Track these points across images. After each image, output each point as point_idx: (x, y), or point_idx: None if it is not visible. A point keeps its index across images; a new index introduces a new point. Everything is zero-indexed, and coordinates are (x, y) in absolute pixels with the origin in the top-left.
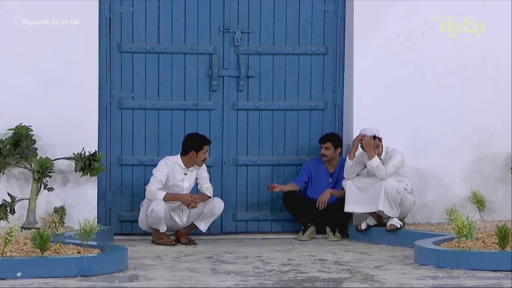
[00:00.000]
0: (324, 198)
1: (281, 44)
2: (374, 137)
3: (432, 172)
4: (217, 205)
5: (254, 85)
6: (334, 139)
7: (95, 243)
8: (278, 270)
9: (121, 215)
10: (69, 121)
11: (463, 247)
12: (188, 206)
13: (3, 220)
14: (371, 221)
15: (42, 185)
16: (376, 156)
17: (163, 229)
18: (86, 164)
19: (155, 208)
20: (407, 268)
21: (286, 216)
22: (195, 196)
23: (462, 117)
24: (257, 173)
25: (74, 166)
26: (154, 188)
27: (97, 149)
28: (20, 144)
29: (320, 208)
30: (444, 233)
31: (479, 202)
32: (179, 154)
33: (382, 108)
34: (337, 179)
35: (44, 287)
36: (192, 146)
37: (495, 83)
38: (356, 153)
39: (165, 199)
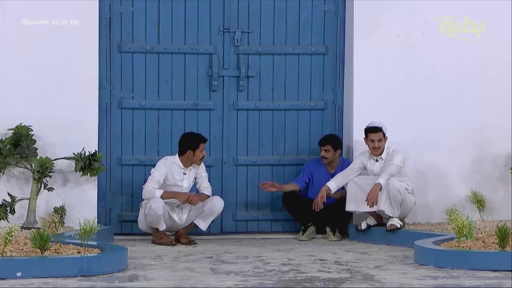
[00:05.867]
0: (319, 199)
1: (281, 44)
2: (379, 130)
3: (432, 172)
4: (217, 204)
5: (254, 85)
6: (334, 141)
7: (95, 243)
8: (278, 270)
9: (121, 215)
10: (69, 121)
11: (463, 247)
12: (183, 203)
13: (3, 220)
14: (371, 221)
15: (42, 185)
16: (380, 182)
17: (162, 227)
18: (86, 164)
19: (153, 206)
20: (407, 268)
21: (286, 216)
22: (193, 196)
23: (462, 117)
24: (257, 173)
25: (74, 166)
26: (151, 187)
27: (97, 149)
28: (20, 144)
29: (316, 210)
30: (444, 233)
31: (479, 202)
32: (177, 154)
33: (382, 108)
34: None
35: (44, 287)
36: (188, 145)
37: (495, 83)
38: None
39: (163, 197)
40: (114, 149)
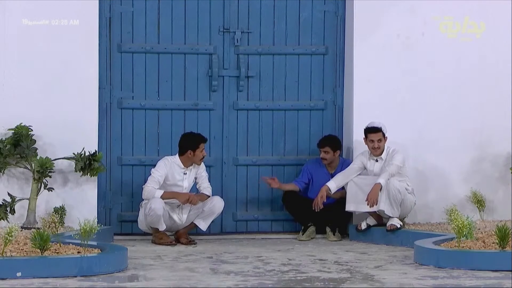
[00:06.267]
0: (319, 199)
1: (281, 44)
2: (379, 130)
3: (432, 172)
4: (217, 204)
5: (254, 85)
6: (333, 142)
7: (95, 243)
8: (278, 270)
9: (121, 215)
10: (69, 121)
11: (463, 247)
12: (184, 203)
13: (3, 220)
14: (371, 221)
15: (42, 185)
16: (380, 182)
17: (162, 227)
18: (86, 164)
19: (153, 206)
20: (407, 268)
21: (286, 216)
22: (193, 196)
23: (462, 117)
24: (257, 173)
25: (74, 166)
26: (151, 188)
27: (97, 149)
28: (20, 144)
29: (316, 210)
30: (444, 233)
31: (479, 202)
32: (177, 154)
33: (382, 108)
34: None
35: (44, 287)
36: (188, 145)
37: (495, 83)
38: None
39: (163, 197)
40: (114, 149)
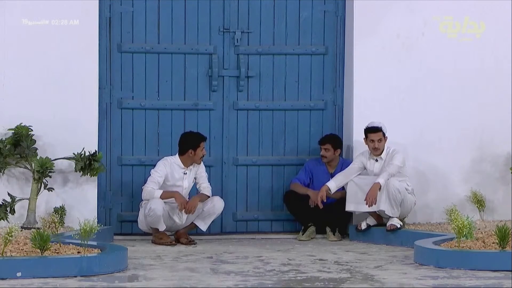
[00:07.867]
0: (319, 199)
1: (281, 44)
2: (379, 130)
3: (432, 172)
4: (217, 204)
5: (254, 85)
6: (334, 140)
7: (95, 243)
8: (278, 270)
9: (121, 215)
10: (69, 121)
11: (463, 247)
12: (180, 210)
13: (3, 220)
14: (371, 221)
15: (42, 185)
16: (380, 181)
17: (162, 227)
18: (86, 164)
19: (153, 206)
20: (407, 268)
21: (286, 216)
22: (191, 203)
23: (462, 117)
24: (257, 173)
25: (74, 166)
26: (150, 188)
27: (97, 149)
28: (20, 144)
29: (311, 206)
30: (444, 233)
31: (479, 202)
32: (177, 154)
33: (382, 108)
34: None
35: (44, 287)
36: (189, 145)
37: (495, 83)
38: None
39: (162, 197)
40: (114, 149)
